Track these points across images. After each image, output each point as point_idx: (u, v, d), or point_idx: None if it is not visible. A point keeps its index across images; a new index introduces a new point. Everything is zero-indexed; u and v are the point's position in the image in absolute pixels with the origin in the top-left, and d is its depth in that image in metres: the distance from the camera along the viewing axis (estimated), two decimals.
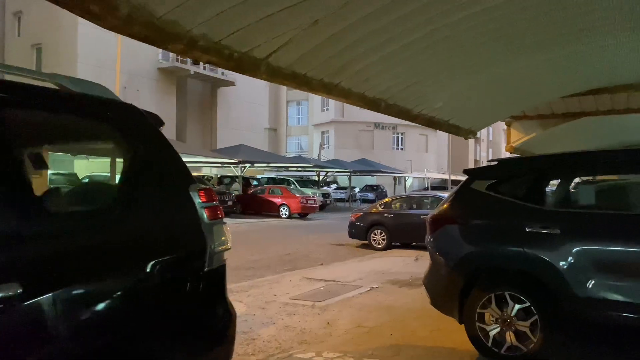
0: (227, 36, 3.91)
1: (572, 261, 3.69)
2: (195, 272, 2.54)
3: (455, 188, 4.81)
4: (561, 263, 3.71)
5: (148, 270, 2.25)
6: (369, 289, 7.40)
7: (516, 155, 13.54)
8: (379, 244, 12.93)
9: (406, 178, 47.22)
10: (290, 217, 22.53)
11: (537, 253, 3.84)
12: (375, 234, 13.01)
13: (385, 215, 12.97)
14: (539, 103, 11.18)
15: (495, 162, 4.73)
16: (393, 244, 12.88)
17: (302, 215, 23.27)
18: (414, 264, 10.20)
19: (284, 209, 22.60)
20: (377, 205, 13.45)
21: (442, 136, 60.83)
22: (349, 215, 26.49)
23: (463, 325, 4.25)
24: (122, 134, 2.47)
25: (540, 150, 13.96)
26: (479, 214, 4.34)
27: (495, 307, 4.00)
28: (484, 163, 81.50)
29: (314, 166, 24.96)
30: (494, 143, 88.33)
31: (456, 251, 4.23)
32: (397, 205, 13.37)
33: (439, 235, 4.45)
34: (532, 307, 3.84)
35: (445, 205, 4.60)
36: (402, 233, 12.68)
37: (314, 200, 23.19)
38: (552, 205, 4.35)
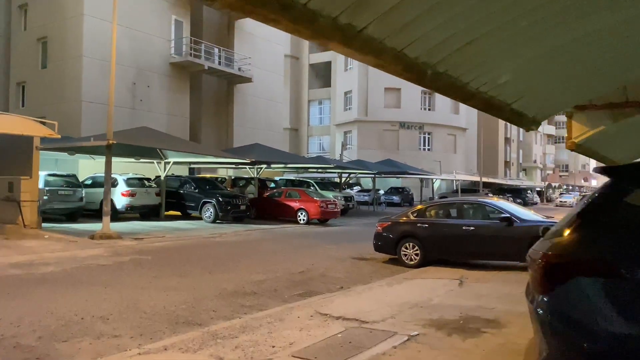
0: None
1: None
2: None
3: (585, 200, 2.67)
4: None
5: None
6: (405, 338, 5.25)
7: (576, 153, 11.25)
8: (411, 260, 10.76)
9: (434, 180, 44.74)
10: (308, 222, 20.49)
11: None
12: (406, 248, 10.85)
13: (419, 225, 10.79)
14: (614, 86, 8.85)
15: None
16: (428, 259, 10.71)
17: (322, 220, 21.20)
18: (459, 290, 8.02)
19: (301, 213, 20.57)
20: (409, 213, 11.28)
21: (471, 136, 58.10)
22: (373, 221, 24.27)
23: None
24: None
25: (609, 148, 11.61)
26: None
27: None
28: (514, 165, 78.26)
29: (335, 167, 22.84)
30: (525, 144, 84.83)
31: (609, 335, 2.09)
32: (433, 213, 11.17)
33: (564, 298, 2.28)
34: None
35: (569, 233, 2.43)
36: (440, 247, 10.50)
37: (335, 204, 21.09)
38: None
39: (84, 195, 17.89)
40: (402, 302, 7.04)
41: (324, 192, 23.98)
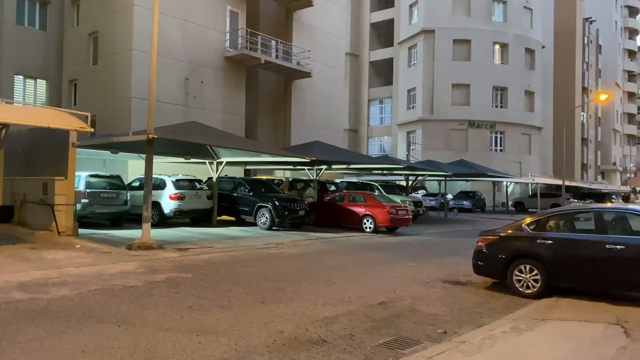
0: None
1: None
2: None
3: None
4: None
5: None
6: None
7: None
8: (528, 288, 8.02)
9: (508, 184, 40.88)
10: (375, 231, 17.92)
11: None
12: (521, 272, 8.12)
13: (540, 241, 8.01)
14: None
15: None
16: (552, 288, 7.92)
17: (391, 229, 18.57)
18: (633, 347, 5.24)
19: (368, 220, 18.01)
20: (523, 225, 8.50)
21: (547, 136, 53.41)
22: (448, 230, 21.39)
23: None
24: None
25: None
26: None
27: None
28: (591, 167, 71.90)
29: (406, 167, 20.06)
30: (603, 145, 78.07)
31: None
32: (560, 224, 8.32)
33: None
34: None
35: None
36: (573, 272, 7.68)
37: (406, 210, 18.38)
38: None
39: (129, 198, 16.21)
40: None
41: (391, 197, 21.32)
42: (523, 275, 8.10)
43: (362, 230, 18.12)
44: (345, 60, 36.18)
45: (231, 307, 6.82)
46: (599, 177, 74.52)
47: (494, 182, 40.30)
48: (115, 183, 16.24)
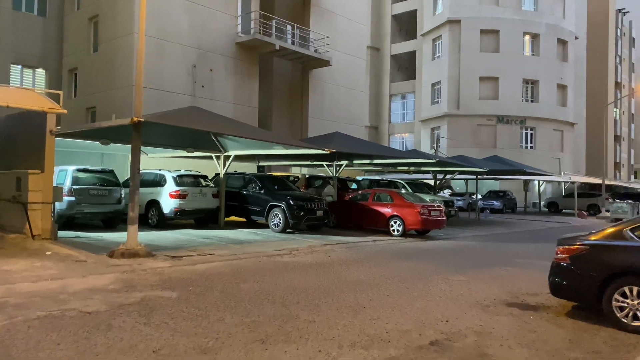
0: None
1: None
2: None
3: None
4: None
5: None
6: None
7: None
8: (636, 319, 5.73)
9: (541, 183, 38.13)
10: (404, 234, 15.65)
11: None
12: (625, 295, 5.83)
13: None
14: None
15: None
16: None
17: (421, 232, 16.29)
18: None
19: (395, 222, 15.75)
20: (625, 231, 6.19)
21: (580, 132, 50.34)
22: (484, 233, 18.90)
23: None
24: None
25: None
26: None
27: None
28: (624, 166, 68.22)
29: (437, 162, 17.61)
30: (636, 142, 74.19)
31: None
32: None
33: None
34: None
35: None
36: None
37: (440, 210, 16.06)
38: None
39: (123, 195, 14.22)
40: None
41: (421, 196, 18.99)
42: (628, 300, 5.81)
43: (388, 233, 15.88)
44: (365, 54, 33.92)
45: (217, 352, 4.68)
46: (632, 177, 70.85)
47: (525, 181, 37.61)
48: (108, 179, 14.28)
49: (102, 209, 13.88)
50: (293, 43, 24.61)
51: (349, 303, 6.77)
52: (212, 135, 14.55)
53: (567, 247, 6.47)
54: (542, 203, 39.48)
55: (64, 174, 13.45)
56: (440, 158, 18.27)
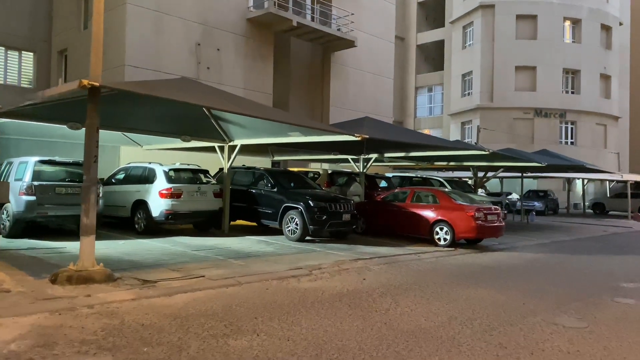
0: None
1: None
2: None
3: None
4: None
5: None
6: None
7: None
8: None
9: (585, 182, 34.43)
10: (453, 243, 12.44)
11: None
12: None
13: None
14: None
15: None
16: None
17: (473, 240, 13.07)
18: None
19: (442, 229, 12.56)
20: None
21: (624, 127, 46.30)
22: (544, 240, 15.58)
23: None
24: None
25: None
26: None
27: None
28: None
29: (491, 155, 14.28)
30: None
31: None
32: None
33: None
34: None
35: None
36: None
37: (497, 214, 12.83)
38: None
39: (101, 194, 11.30)
40: None
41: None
42: None
43: (431, 241, 12.71)
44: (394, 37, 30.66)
45: None
46: None
47: (568, 180, 33.99)
48: (81, 173, 11.35)
49: (72, 211, 10.91)
50: (313, 20, 21.55)
51: None
52: (212, 119, 11.55)
53: None
54: (587, 204, 35.79)
55: (23, 167, 10.63)
56: (492, 150, 14.98)
